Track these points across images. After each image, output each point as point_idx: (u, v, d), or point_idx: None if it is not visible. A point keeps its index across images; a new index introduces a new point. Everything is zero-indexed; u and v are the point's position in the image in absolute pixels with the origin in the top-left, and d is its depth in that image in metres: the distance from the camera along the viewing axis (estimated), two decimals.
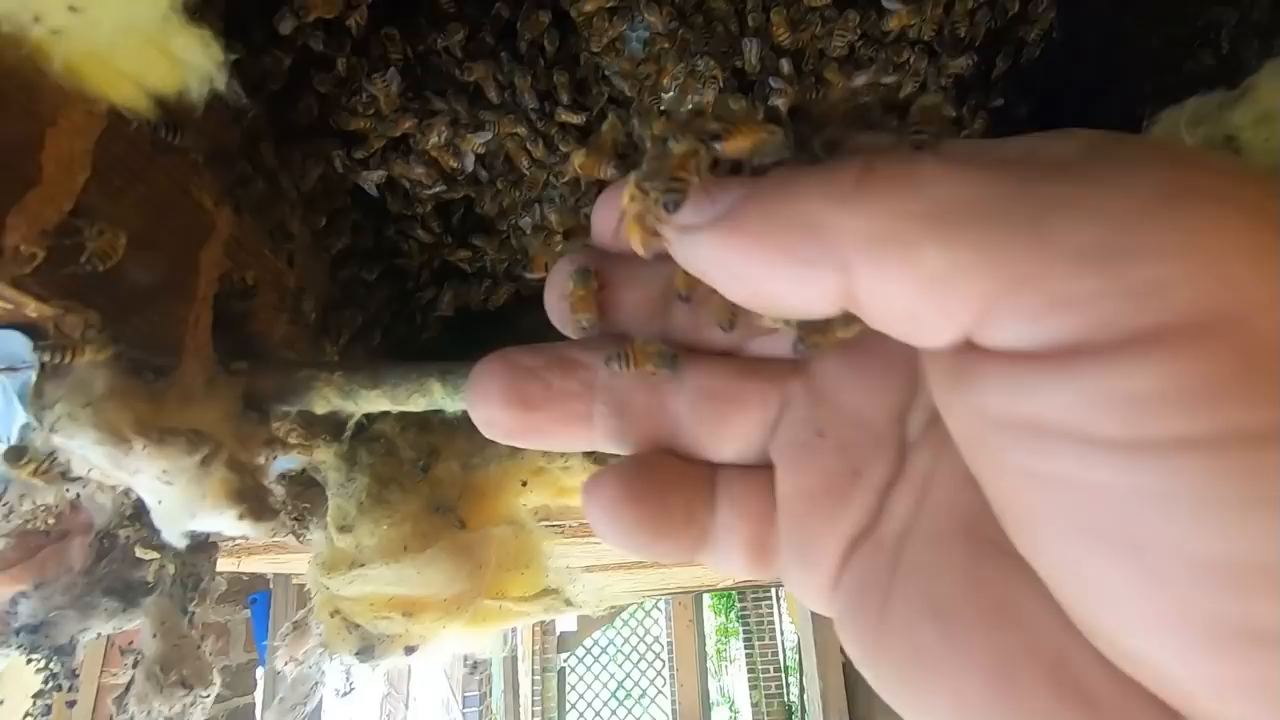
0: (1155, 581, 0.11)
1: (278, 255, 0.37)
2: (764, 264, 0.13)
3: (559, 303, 0.19)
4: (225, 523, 0.28)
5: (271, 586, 1.84)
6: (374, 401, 0.34)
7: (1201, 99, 0.27)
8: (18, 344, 0.24)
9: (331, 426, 0.39)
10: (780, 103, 0.44)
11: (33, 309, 0.22)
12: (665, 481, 0.17)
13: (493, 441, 0.49)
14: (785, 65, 0.41)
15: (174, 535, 0.27)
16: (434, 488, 0.44)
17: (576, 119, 0.43)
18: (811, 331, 0.15)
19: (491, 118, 0.41)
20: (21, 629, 0.38)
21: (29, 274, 0.22)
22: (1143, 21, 0.48)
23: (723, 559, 0.18)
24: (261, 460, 0.32)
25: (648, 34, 0.40)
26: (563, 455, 0.50)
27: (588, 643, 4.52)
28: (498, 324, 0.54)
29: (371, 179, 0.42)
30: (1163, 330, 0.10)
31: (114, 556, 0.40)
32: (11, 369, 0.26)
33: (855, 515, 0.16)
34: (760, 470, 0.17)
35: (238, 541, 0.55)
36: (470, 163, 0.43)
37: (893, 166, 0.13)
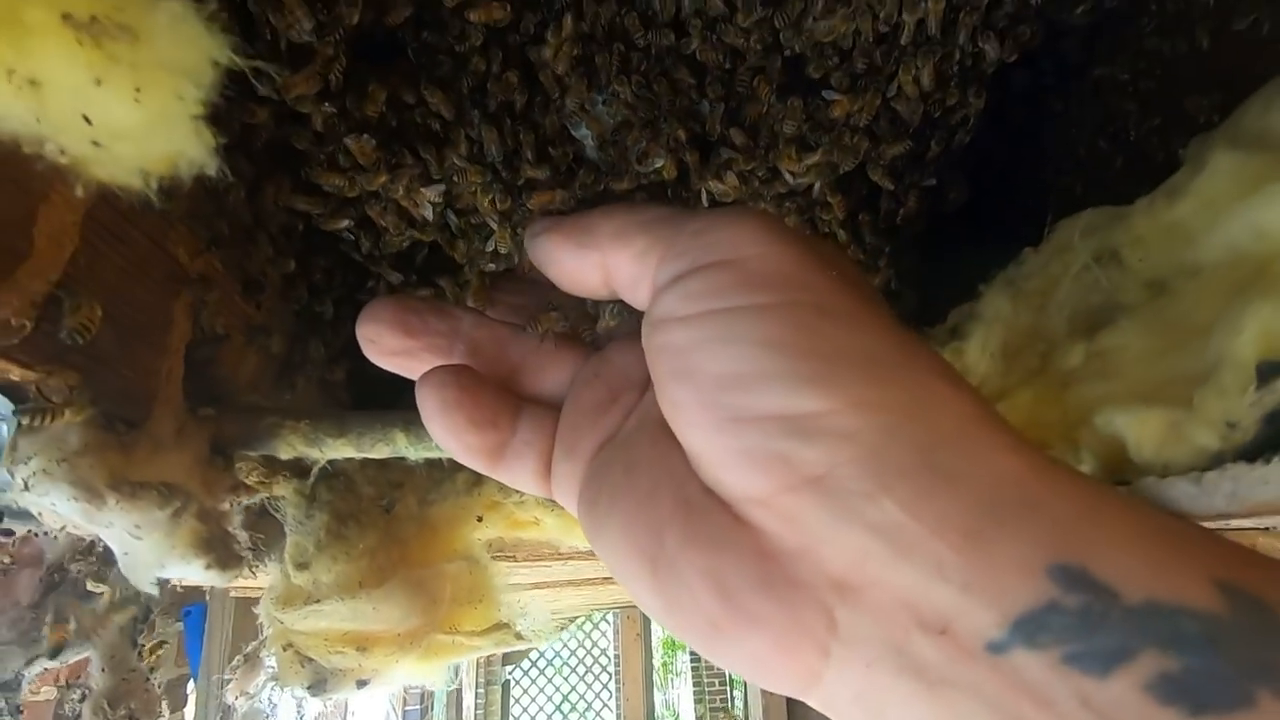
0: (696, 391, 0.19)
1: (248, 301, 0.38)
2: (560, 251, 0.24)
3: None
4: (192, 572, 0.29)
5: (208, 599, 1.79)
6: (339, 449, 0.35)
7: (1098, 211, 0.31)
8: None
9: (293, 466, 0.40)
10: (732, 169, 0.47)
11: (16, 374, 0.24)
12: (486, 390, 0.25)
13: (450, 478, 0.51)
14: (738, 136, 0.44)
15: (141, 584, 0.28)
16: (390, 523, 0.46)
17: (541, 174, 0.45)
18: (591, 321, 0.27)
19: (463, 167, 0.43)
20: None
21: (16, 344, 0.23)
22: (1055, 118, 0.53)
23: (518, 470, 0.25)
24: (226, 506, 0.33)
25: (613, 105, 0.43)
26: (517, 491, 0.52)
27: (533, 655, 4.48)
28: None
29: (341, 226, 0.43)
30: (706, 264, 0.20)
31: (63, 590, 0.40)
32: None
33: (607, 423, 0.24)
34: (556, 410, 0.25)
35: None
36: (430, 213, 0.45)
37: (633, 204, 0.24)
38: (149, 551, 0.27)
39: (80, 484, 0.25)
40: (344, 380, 0.51)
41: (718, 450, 0.19)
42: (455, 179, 0.44)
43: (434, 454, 0.37)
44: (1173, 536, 0.17)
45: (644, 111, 0.44)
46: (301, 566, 0.41)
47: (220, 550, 0.30)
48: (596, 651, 4.82)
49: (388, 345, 0.26)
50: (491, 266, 0.50)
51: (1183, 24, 0.47)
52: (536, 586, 0.95)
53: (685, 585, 0.19)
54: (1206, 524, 0.22)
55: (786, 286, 0.19)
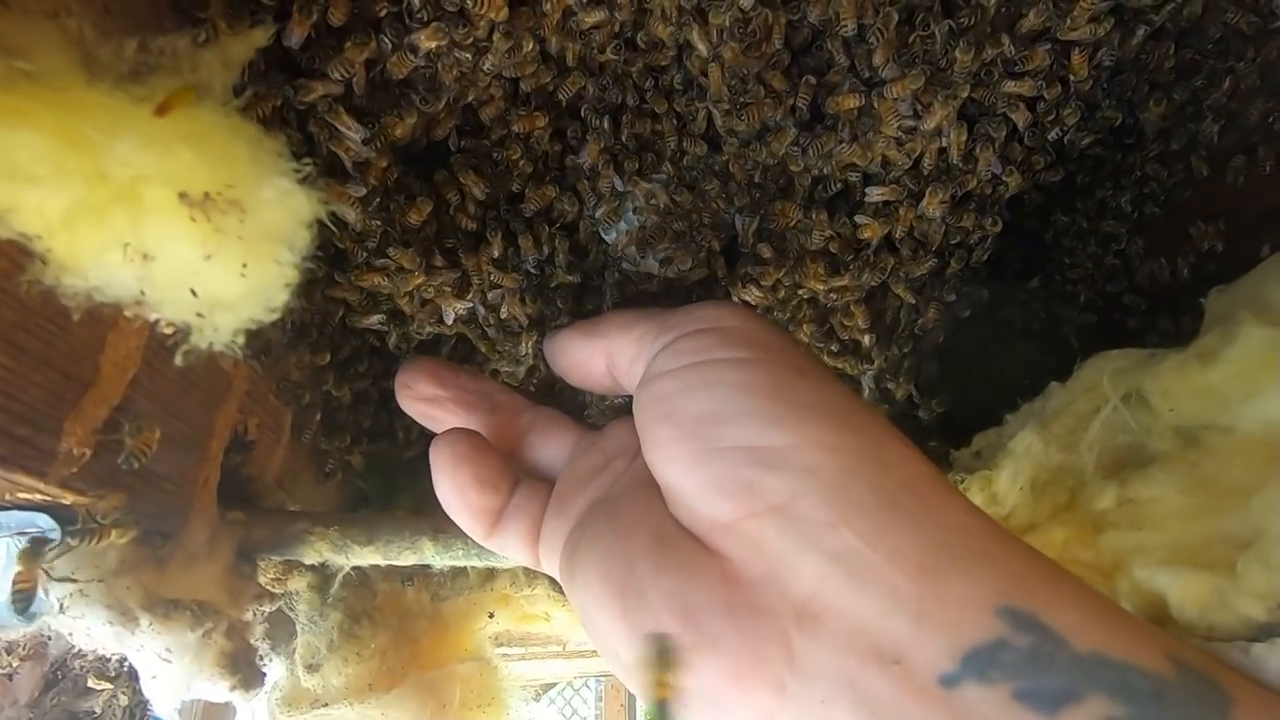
0: (676, 429, 0.21)
1: (282, 400, 0.38)
2: (571, 341, 0.29)
3: None
4: (216, 693, 0.28)
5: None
6: (365, 556, 0.35)
7: (1126, 353, 0.32)
8: (41, 520, 0.25)
9: (311, 567, 0.40)
10: (761, 280, 0.48)
11: (69, 499, 0.24)
12: (493, 455, 0.27)
13: (464, 573, 0.50)
14: (766, 250, 0.45)
15: (166, 708, 0.27)
16: (403, 619, 0.45)
17: (573, 278, 0.46)
18: None
19: (496, 273, 0.44)
20: None
21: (75, 473, 0.23)
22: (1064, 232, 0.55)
23: (509, 534, 0.27)
24: (250, 617, 0.32)
25: (641, 218, 0.45)
26: (529, 584, 0.51)
27: None
28: None
29: (373, 322, 0.44)
30: (694, 330, 0.23)
31: (63, 687, 0.39)
32: (23, 533, 0.26)
33: (598, 486, 0.26)
34: (548, 484, 0.27)
35: None
36: (452, 319, 0.46)
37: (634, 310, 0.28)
38: (178, 674, 0.26)
39: (116, 606, 0.25)
40: (361, 467, 0.51)
41: (693, 480, 0.21)
42: (489, 283, 0.45)
43: (459, 562, 0.36)
44: (1127, 615, 0.18)
45: (675, 221, 0.45)
46: (312, 668, 0.40)
47: (245, 670, 0.29)
48: (577, 719, 4.64)
49: (420, 391, 0.31)
50: (509, 369, 0.51)
51: (1181, 156, 0.50)
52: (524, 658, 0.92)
53: (651, 609, 0.20)
54: None
55: (765, 348, 0.22)
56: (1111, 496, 0.30)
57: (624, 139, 0.45)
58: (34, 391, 0.21)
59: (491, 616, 0.48)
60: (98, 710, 0.39)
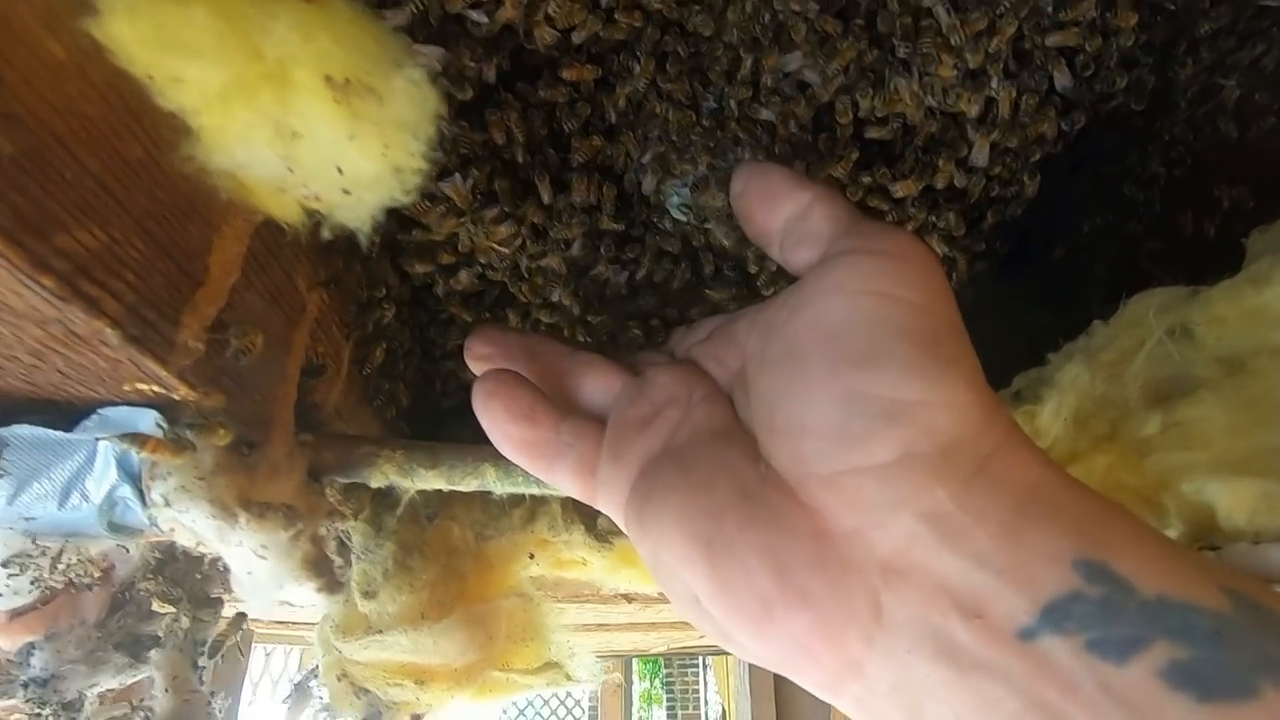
0: (831, 361, 0.21)
1: (343, 333, 0.39)
2: (780, 179, 0.26)
3: None
4: (303, 594, 0.30)
5: None
6: (429, 480, 0.36)
7: (1169, 290, 0.33)
8: (145, 420, 0.26)
9: (371, 493, 0.41)
10: None
11: (180, 393, 0.25)
12: (523, 386, 0.28)
13: (507, 514, 0.51)
14: None
15: (260, 605, 0.28)
16: (450, 555, 0.46)
17: (618, 226, 0.47)
18: None
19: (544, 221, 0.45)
20: (30, 681, 0.37)
21: (189, 365, 0.24)
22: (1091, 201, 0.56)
23: (559, 469, 0.27)
24: (324, 532, 0.33)
25: (688, 196, 0.46)
26: (567, 530, 0.52)
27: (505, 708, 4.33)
28: None
29: (429, 269, 0.45)
30: (884, 251, 0.22)
31: (128, 610, 0.40)
32: (123, 436, 0.27)
33: (654, 436, 0.26)
34: (597, 422, 0.28)
35: None
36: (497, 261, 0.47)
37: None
38: (271, 572, 0.28)
39: (217, 502, 0.26)
40: (407, 404, 0.52)
41: (819, 418, 0.21)
42: (539, 227, 0.46)
43: (519, 489, 0.37)
44: (1183, 550, 0.19)
45: (721, 169, 0.46)
46: (369, 595, 0.41)
47: (328, 574, 0.31)
48: (570, 702, 4.68)
49: (476, 352, 0.31)
50: (547, 318, 0.52)
51: (1210, 120, 0.51)
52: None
53: (741, 563, 0.20)
54: None
55: (934, 295, 0.22)
56: (1157, 423, 0.31)
57: (671, 81, 0.45)
58: (159, 279, 0.22)
59: (532, 557, 0.50)
60: (160, 634, 0.41)
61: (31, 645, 0.38)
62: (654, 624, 1.02)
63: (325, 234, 0.22)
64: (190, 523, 0.26)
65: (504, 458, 0.37)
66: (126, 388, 0.24)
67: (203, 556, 0.43)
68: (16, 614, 0.38)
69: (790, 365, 0.22)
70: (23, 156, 0.16)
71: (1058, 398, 0.34)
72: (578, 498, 0.28)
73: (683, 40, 0.44)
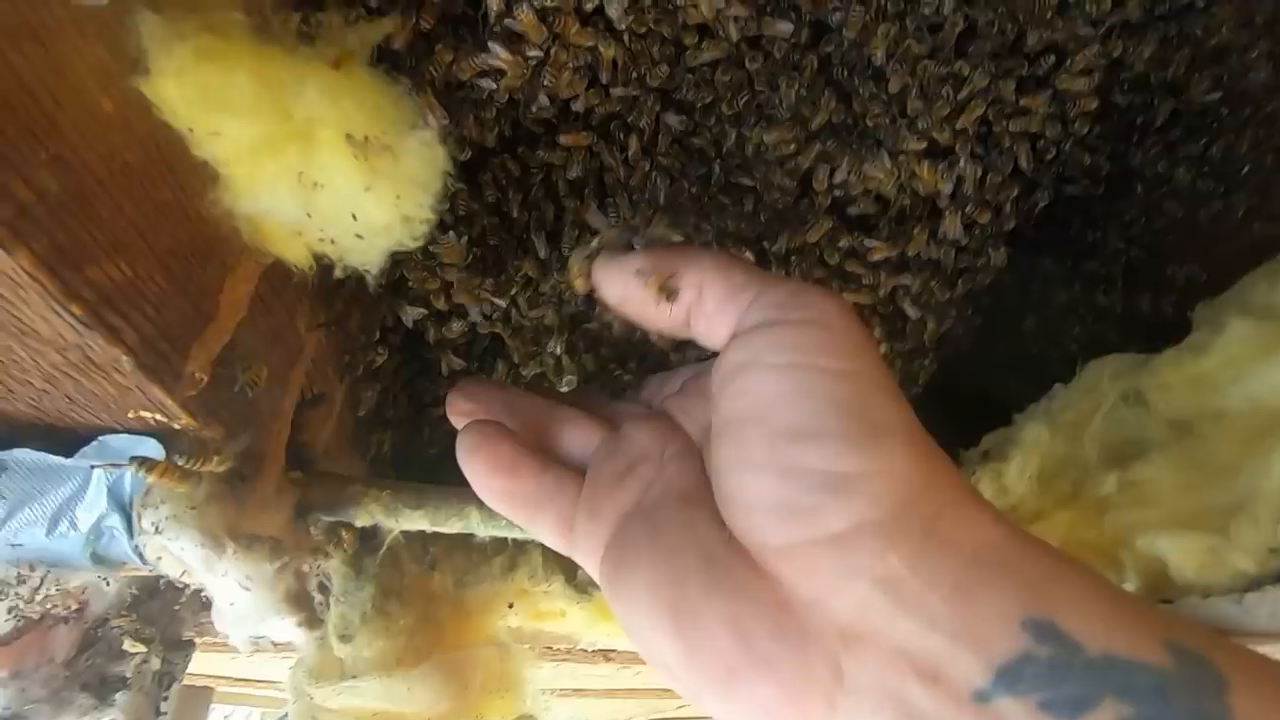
0: (767, 434, 0.21)
1: (337, 375, 0.40)
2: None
3: None
4: (283, 628, 0.30)
5: None
6: (414, 521, 0.37)
7: (1122, 357, 0.35)
8: (146, 448, 0.27)
9: (355, 533, 0.41)
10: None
11: (182, 422, 0.26)
12: (506, 440, 0.29)
13: (487, 561, 0.51)
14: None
15: (240, 638, 0.28)
16: (428, 602, 0.46)
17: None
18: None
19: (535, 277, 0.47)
20: None
21: (193, 395, 0.25)
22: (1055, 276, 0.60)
23: (540, 522, 0.28)
24: (306, 569, 0.34)
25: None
26: (547, 579, 0.52)
27: None
28: None
29: (419, 315, 0.47)
30: (800, 320, 0.23)
31: (98, 649, 0.39)
32: (115, 465, 0.28)
33: (628, 492, 0.26)
34: (578, 475, 0.28)
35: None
36: (477, 314, 0.48)
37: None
38: (254, 604, 0.28)
39: (207, 531, 0.27)
40: (389, 453, 0.52)
41: (764, 495, 0.21)
42: (527, 286, 0.48)
43: (502, 533, 0.38)
44: (1127, 601, 0.19)
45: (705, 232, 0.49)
46: (345, 638, 0.41)
47: (309, 609, 0.31)
48: None
49: (457, 409, 0.33)
50: (533, 371, 0.53)
51: (1162, 203, 0.55)
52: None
53: (705, 631, 0.21)
54: (1250, 644, 0.25)
55: (858, 358, 0.22)
56: (1113, 482, 0.33)
57: (660, 153, 0.48)
58: (174, 314, 0.23)
59: (511, 607, 0.49)
60: (129, 675, 0.40)
61: None
62: (633, 690, 1.00)
63: (337, 274, 0.23)
64: (179, 551, 0.26)
65: None
66: (131, 415, 0.25)
67: (179, 593, 0.43)
68: None
69: (728, 438, 0.23)
70: (66, 196, 0.18)
71: (1022, 457, 0.36)
72: (558, 550, 0.29)
73: (675, 112, 0.47)
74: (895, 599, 0.19)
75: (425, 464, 0.57)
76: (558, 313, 0.50)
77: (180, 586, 0.34)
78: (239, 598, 0.28)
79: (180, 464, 0.25)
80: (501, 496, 0.29)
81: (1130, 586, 0.30)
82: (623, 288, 0.27)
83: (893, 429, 0.21)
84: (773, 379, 0.22)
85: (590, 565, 0.27)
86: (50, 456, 0.27)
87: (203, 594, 0.37)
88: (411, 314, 0.47)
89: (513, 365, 0.54)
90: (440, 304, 0.48)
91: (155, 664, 0.40)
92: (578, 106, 0.46)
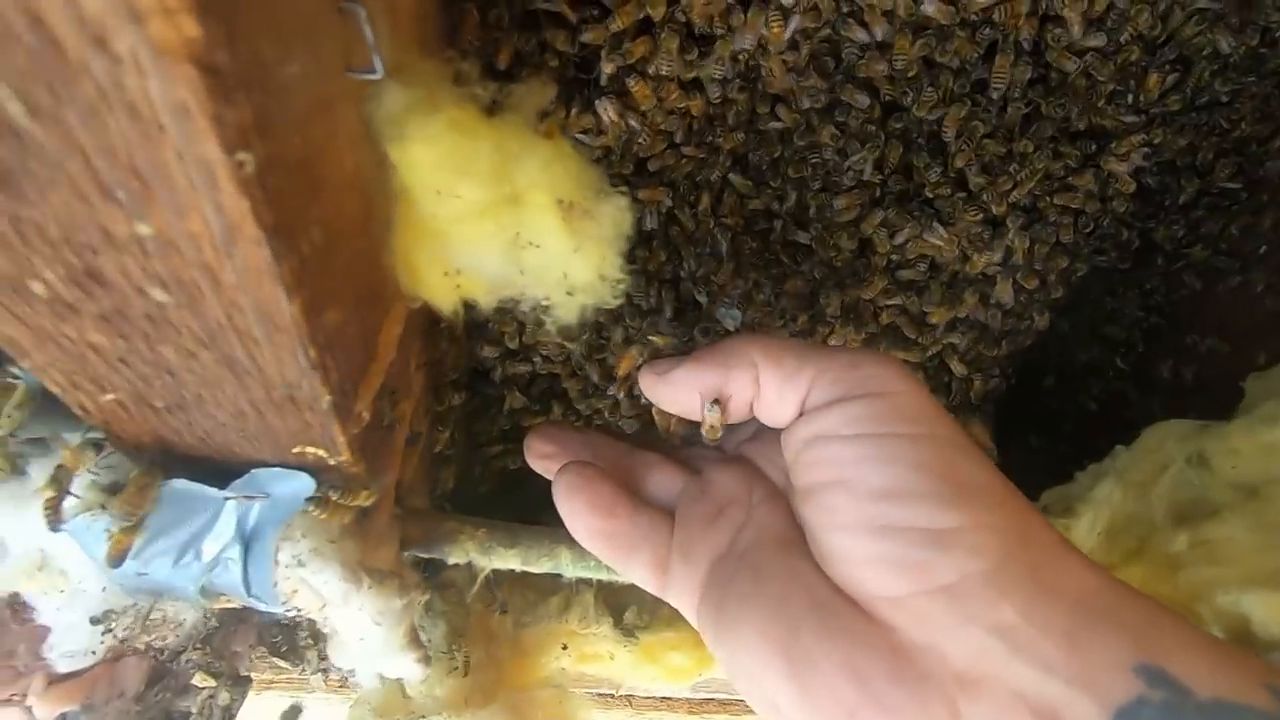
0: (853, 499, 0.23)
1: (426, 411, 0.41)
2: (707, 373, 0.28)
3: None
4: (403, 665, 0.30)
5: None
6: (507, 560, 0.37)
7: (1181, 423, 0.38)
8: (297, 482, 0.27)
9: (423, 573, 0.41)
10: (837, 343, 0.53)
11: (341, 458, 0.27)
12: (605, 482, 0.30)
13: (545, 601, 0.52)
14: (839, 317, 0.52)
15: (366, 675, 0.29)
16: (489, 641, 0.46)
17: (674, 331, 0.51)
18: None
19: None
20: None
21: (356, 433, 0.26)
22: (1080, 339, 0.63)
23: (635, 562, 0.29)
24: (410, 604, 0.34)
25: (739, 316, 0.50)
26: (596, 622, 0.53)
27: None
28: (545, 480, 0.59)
29: (488, 353, 0.48)
30: (864, 394, 0.24)
31: (166, 683, 0.39)
32: (249, 497, 0.29)
33: (719, 535, 0.27)
34: (666, 516, 0.30)
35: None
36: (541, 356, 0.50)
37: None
38: (383, 640, 0.28)
39: (347, 565, 0.27)
40: (450, 491, 0.53)
41: (866, 552, 0.22)
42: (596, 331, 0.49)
43: (591, 573, 0.39)
44: (1225, 648, 0.21)
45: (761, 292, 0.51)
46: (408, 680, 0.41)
47: (422, 647, 0.31)
48: None
49: (537, 450, 0.34)
50: (592, 408, 0.55)
51: (1181, 275, 0.59)
52: None
53: (822, 676, 0.22)
54: None
55: (927, 421, 0.24)
56: (1184, 540, 0.35)
57: (725, 212, 0.51)
58: (355, 355, 0.25)
59: (565, 648, 0.50)
60: (193, 710, 0.39)
61: (65, 716, 0.36)
62: None
63: (550, 326, 0.25)
64: (321, 584, 0.27)
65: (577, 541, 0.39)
66: (296, 450, 0.26)
67: (244, 627, 0.43)
68: (54, 680, 0.37)
69: (814, 504, 0.24)
70: (323, 247, 0.19)
71: (1093, 513, 0.38)
72: (649, 589, 0.30)
73: (741, 172, 0.50)
74: (1011, 646, 0.21)
75: (476, 501, 0.58)
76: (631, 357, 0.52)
77: (293, 622, 0.34)
78: (370, 633, 0.28)
79: (336, 499, 0.26)
80: (599, 537, 0.30)
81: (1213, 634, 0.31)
82: (671, 404, 0.30)
83: (979, 485, 0.23)
84: (850, 447, 0.23)
85: (685, 606, 0.28)
86: (199, 486, 0.27)
87: (264, 629, 0.37)
88: (489, 353, 0.48)
89: (569, 404, 0.55)
90: (513, 344, 0.49)
91: (224, 698, 0.40)
92: (653, 165, 0.48)
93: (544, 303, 0.23)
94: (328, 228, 0.19)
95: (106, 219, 0.15)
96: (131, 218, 0.15)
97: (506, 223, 0.21)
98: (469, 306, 0.30)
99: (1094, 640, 0.20)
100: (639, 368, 0.50)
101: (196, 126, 0.13)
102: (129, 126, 0.13)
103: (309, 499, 0.25)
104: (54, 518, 0.27)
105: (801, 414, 0.26)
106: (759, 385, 0.27)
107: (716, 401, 0.28)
